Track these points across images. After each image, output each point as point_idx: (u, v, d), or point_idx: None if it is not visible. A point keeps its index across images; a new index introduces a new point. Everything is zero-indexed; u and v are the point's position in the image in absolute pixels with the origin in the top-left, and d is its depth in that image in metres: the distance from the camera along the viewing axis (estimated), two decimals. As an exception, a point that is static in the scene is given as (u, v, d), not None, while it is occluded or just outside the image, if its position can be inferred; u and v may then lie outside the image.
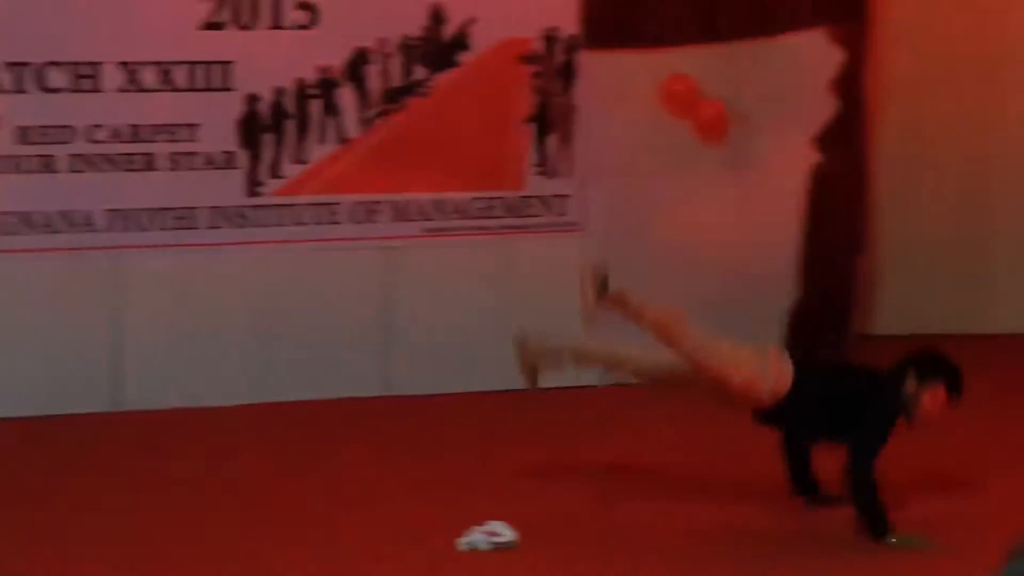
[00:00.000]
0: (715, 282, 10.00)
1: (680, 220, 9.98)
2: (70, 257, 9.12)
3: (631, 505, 7.47)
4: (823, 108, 9.98)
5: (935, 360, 7.04)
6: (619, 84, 9.88)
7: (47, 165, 9.04)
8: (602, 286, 6.99)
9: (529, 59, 9.78)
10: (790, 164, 10.00)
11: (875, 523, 6.84)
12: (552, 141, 9.86)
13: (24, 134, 9.00)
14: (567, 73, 9.85)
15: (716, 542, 6.96)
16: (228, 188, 9.34)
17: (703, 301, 9.97)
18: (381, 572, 6.59)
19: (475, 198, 9.76)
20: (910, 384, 6.95)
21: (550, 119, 9.85)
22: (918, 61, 10.86)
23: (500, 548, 6.81)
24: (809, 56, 9.96)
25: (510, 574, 6.58)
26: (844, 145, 10.05)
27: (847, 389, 7.04)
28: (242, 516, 7.34)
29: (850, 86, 10.01)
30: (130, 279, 9.26)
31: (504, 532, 6.87)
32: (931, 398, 6.94)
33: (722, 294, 10.02)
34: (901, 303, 11.09)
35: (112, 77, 9.14)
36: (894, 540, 6.82)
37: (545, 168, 9.85)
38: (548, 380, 7.52)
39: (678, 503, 7.40)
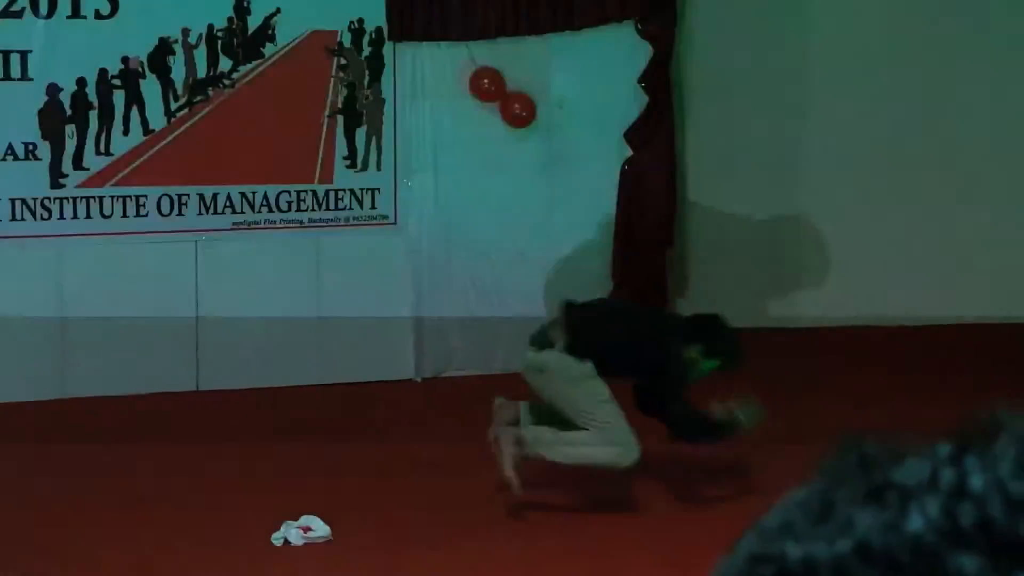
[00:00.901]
0: (529, 275, 10.05)
1: (493, 213, 10.00)
2: None
3: (446, 496, 7.45)
4: (632, 103, 10.07)
5: (718, 336, 7.14)
6: (427, 77, 9.87)
7: None
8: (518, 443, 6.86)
9: (336, 51, 9.71)
10: (600, 158, 10.08)
11: (713, 433, 6.94)
12: (361, 134, 9.80)
13: None
14: (375, 66, 9.80)
15: (537, 526, 6.98)
16: (30, 179, 9.12)
17: (521, 292, 10.08)
18: (194, 569, 6.48)
19: (283, 191, 9.67)
20: (692, 352, 7.07)
21: (358, 112, 9.79)
22: (723, 57, 11.01)
23: (314, 542, 6.74)
24: (617, 50, 10.04)
25: (324, 569, 6.53)
26: (653, 139, 10.15)
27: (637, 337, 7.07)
28: (46, 514, 7.17)
29: (658, 81, 10.11)
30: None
31: (318, 527, 6.80)
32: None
33: (539, 285, 10.08)
34: (711, 296, 11.23)
35: (-94, 65, 8.90)
36: (722, 426, 6.92)
37: (355, 161, 9.79)
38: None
39: (498, 494, 7.37)
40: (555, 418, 7.00)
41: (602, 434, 6.86)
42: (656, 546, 6.76)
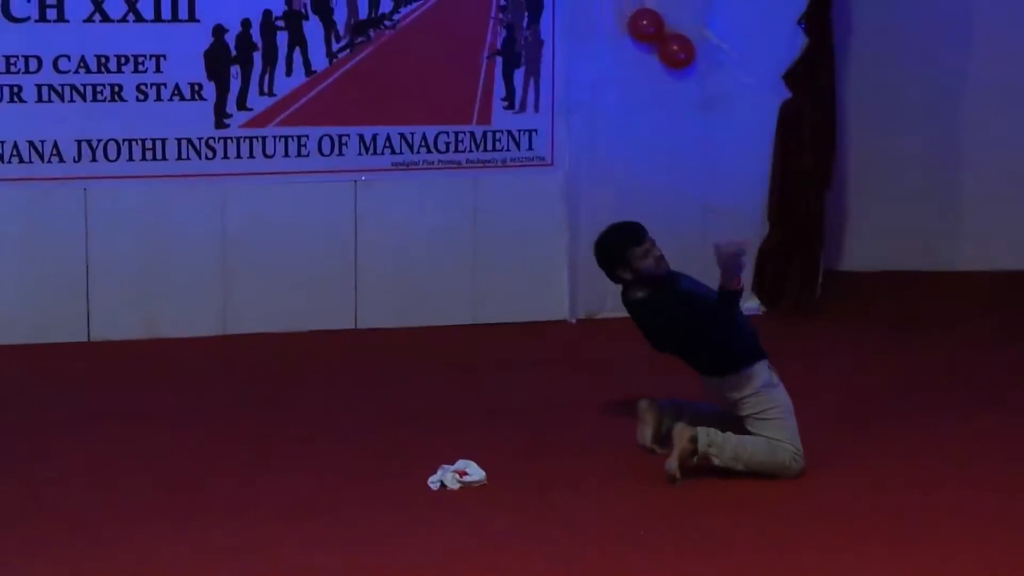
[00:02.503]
0: (684, 218, 10.04)
1: (650, 154, 10.00)
2: (40, 187, 9.11)
3: (596, 440, 7.52)
4: (791, 44, 9.99)
5: (607, 246, 7.28)
6: (585, 18, 9.87)
7: (15, 95, 9.00)
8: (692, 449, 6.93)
9: (496, -8, 9.77)
10: (758, 99, 10.02)
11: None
12: (519, 75, 9.85)
13: (-9, 63, 8.98)
14: (534, 6, 9.82)
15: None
16: (196, 119, 9.31)
17: (672, 237, 10.06)
18: (350, 507, 6.61)
19: (442, 132, 9.76)
20: (625, 273, 7.16)
21: (517, 53, 9.83)
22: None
23: (468, 486, 6.84)
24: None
25: (480, 512, 6.63)
26: (812, 81, 10.06)
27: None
28: (205, 449, 7.35)
29: (819, 21, 10.01)
30: (99, 210, 9.24)
31: (473, 471, 6.90)
32: (641, 259, 7.13)
33: (691, 230, 10.06)
34: (870, 240, 11.17)
35: (78, 7, 9.08)
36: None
37: (512, 102, 9.85)
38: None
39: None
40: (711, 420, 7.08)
41: (771, 444, 6.91)
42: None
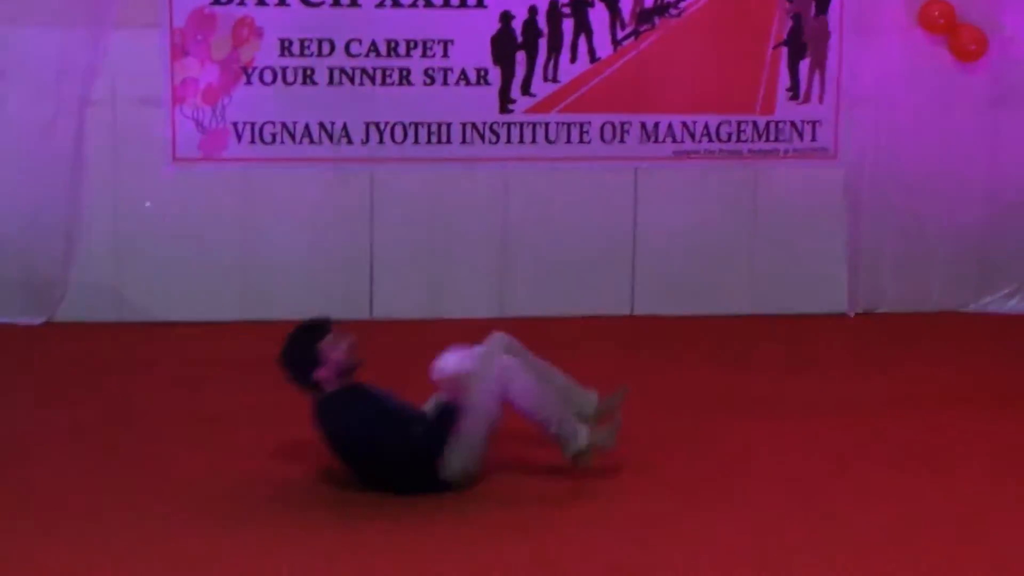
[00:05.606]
0: (972, 212, 9.85)
1: (937, 149, 9.82)
2: (329, 168, 9.37)
3: (874, 439, 7.42)
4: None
5: (294, 348, 6.58)
6: (874, 9, 9.73)
7: (308, 77, 9.26)
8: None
9: (783, -18, 9.70)
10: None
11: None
12: (805, 66, 9.75)
13: (286, 46, 9.23)
14: (822, -3, 9.75)
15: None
16: (481, 104, 9.45)
17: (959, 231, 9.88)
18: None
19: (724, 121, 9.72)
20: (315, 373, 6.53)
21: (803, 43, 9.74)
22: None
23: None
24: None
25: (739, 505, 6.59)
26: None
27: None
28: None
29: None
30: (384, 191, 9.46)
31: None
32: (333, 349, 6.56)
33: (979, 224, 9.87)
34: None
35: (369, -9, 9.32)
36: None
37: (797, 93, 9.76)
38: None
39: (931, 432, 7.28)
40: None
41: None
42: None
